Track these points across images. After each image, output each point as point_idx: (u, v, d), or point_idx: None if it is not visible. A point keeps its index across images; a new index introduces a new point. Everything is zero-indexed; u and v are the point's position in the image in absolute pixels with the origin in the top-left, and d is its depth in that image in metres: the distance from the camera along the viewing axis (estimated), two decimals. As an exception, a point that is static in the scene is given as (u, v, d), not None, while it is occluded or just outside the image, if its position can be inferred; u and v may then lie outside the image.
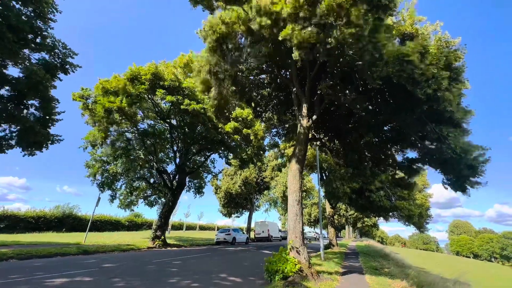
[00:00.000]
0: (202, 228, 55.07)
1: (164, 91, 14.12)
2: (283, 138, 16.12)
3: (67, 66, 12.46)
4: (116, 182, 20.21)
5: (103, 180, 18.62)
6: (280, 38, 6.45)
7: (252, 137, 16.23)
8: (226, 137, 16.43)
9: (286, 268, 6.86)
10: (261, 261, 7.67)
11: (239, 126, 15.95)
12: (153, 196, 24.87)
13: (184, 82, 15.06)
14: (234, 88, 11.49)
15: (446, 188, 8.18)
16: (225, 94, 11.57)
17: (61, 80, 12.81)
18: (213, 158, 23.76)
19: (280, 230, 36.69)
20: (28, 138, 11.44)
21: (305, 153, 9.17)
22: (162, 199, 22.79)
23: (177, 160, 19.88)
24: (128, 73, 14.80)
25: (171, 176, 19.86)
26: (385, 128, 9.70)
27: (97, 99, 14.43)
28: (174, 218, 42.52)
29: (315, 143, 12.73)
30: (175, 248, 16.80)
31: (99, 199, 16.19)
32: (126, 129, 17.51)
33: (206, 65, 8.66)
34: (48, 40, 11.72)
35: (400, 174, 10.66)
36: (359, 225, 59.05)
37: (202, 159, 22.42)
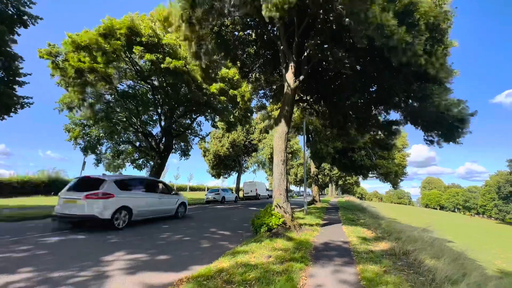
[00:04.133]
0: (193, 189, 57.03)
1: (142, 48, 13.00)
2: (271, 100, 15.87)
3: (26, 18, 10.98)
4: (100, 146, 19.85)
5: (85, 144, 18.18)
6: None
7: (239, 99, 15.90)
8: (212, 98, 15.96)
9: (270, 221, 7.40)
10: (249, 217, 8.22)
11: (225, 87, 15.47)
12: (141, 159, 24.96)
13: (164, 38, 13.85)
14: (217, 44, 10.76)
15: (429, 144, 8.67)
16: (209, 52, 10.89)
17: (19, 34, 11.41)
18: (200, 121, 23.44)
19: (267, 189, 38.71)
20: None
21: (291, 114, 9.18)
22: (151, 162, 22.87)
23: (162, 122, 19.43)
24: (100, 28, 13.31)
25: (157, 139, 19.62)
26: (371, 89, 9.71)
27: (68, 56, 13.16)
28: (164, 180, 43.40)
29: (301, 104, 12.68)
30: (166, 208, 17.50)
31: (84, 163, 16.02)
32: (104, 90, 16.49)
33: (185, 16, 7.89)
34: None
35: (381, 135, 11.07)
36: (341, 183, 63.08)
37: (188, 121, 22.02)
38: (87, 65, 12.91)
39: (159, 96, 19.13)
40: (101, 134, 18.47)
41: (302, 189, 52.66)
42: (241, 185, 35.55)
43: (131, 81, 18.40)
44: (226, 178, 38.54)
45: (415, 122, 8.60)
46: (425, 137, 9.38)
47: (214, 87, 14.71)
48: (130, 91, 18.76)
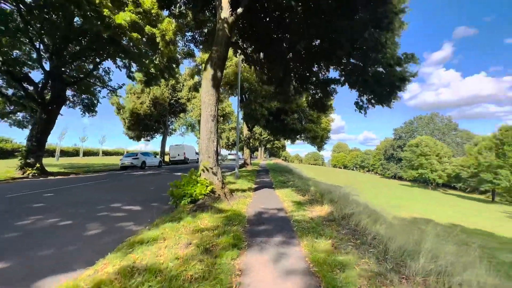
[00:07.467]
0: (108, 153, 49.03)
1: None
2: (201, 47, 13.13)
3: None
4: None
5: None
6: None
7: (159, 39, 12.51)
8: (120, 33, 11.90)
9: (195, 191, 5.86)
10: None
11: (139, 21, 11.75)
12: (21, 114, 18.53)
13: None
14: None
15: (358, 109, 8.51)
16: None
17: None
18: (108, 68, 18.41)
19: (197, 153, 36.65)
20: None
21: (225, 57, 7.25)
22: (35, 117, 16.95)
23: (46, 63, 14.00)
24: None
25: (39, 86, 14.18)
26: (316, 42, 8.65)
27: None
28: (65, 143, 35.03)
29: (238, 51, 10.73)
30: (60, 177, 13.51)
31: None
32: None
33: None
34: None
35: (319, 94, 10.62)
36: (269, 146, 66.67)
37: (91, 66, 16.78)
38: None
39: (38, 24, 13.30)
40: None
41: (233, 152, 52.75)
42: (167, 149, 32.14)
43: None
44: (149, 141, 34.03)
45: (353, 81, 8.15)
46: (357, 99, 9.28)
47: (122, 17, 10.84)
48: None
